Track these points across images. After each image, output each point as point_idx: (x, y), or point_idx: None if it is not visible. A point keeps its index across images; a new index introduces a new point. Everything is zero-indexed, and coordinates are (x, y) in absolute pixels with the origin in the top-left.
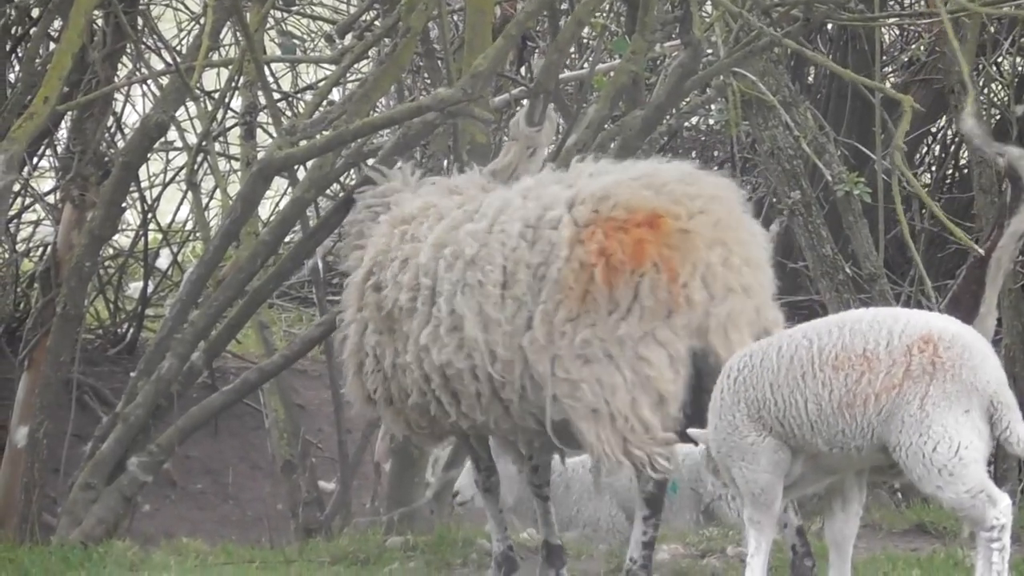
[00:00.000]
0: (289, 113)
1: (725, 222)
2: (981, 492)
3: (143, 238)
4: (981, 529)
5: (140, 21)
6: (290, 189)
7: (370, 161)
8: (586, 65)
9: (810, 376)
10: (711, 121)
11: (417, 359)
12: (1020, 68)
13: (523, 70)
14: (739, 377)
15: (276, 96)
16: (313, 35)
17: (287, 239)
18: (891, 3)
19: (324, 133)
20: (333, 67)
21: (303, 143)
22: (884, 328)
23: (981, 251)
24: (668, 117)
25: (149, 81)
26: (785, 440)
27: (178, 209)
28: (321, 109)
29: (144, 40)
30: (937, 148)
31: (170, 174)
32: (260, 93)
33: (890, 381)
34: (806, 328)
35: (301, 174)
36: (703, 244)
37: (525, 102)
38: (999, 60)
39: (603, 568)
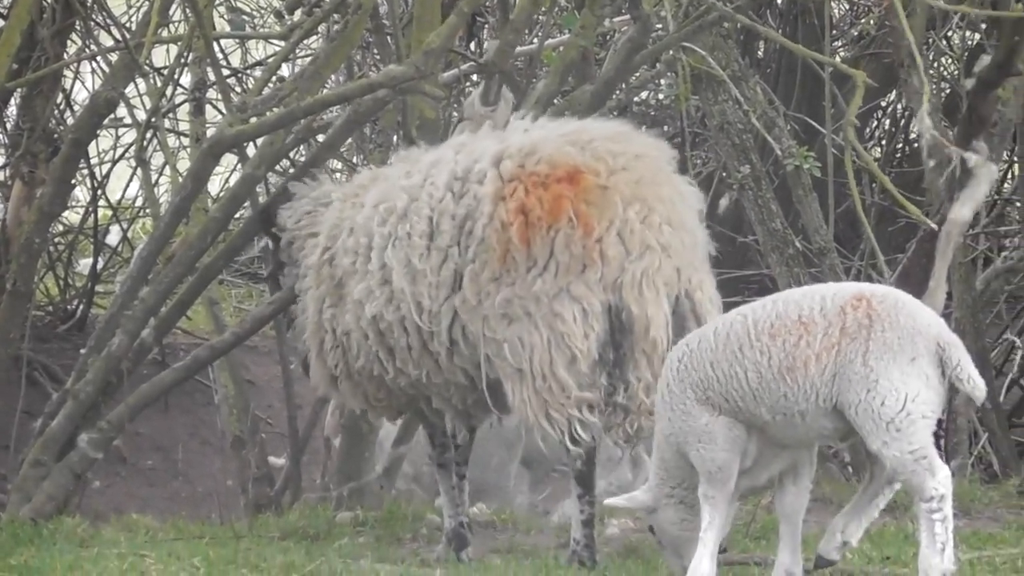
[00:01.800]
0: (239, 89)
1: (648, 180)
2: (924, 458)
3: (93, 215)
4: (921, 499)
5: None
6: (240, 166)
7: (320, 137)
8: (535, 40)
9: (747, 347)
10: (661, 96)
11: (355, 317)
12: (970, 42)
13: (472, 45)
14: (680, 365)
15: (225, 72)
16: (262, 11)
17: (237, 216)
18: None
19: (275, 110)
20: (282, 43)
21: (253, 120)
22: (817, 295)
23: (933, 225)
24: (618, 92)
25: (98, 58)
26: (735, 415)
27: (128, 186)
28: (271, 85)
29: (93, 17)
30: (887, 122)
31: (120, 151)
32: (209, 69)
33: (828, 341)
34: (741, 308)
35: (251, 151)
36: (621, 201)
37: (475, 77)
38: (949, 33)
39: (553, 543)
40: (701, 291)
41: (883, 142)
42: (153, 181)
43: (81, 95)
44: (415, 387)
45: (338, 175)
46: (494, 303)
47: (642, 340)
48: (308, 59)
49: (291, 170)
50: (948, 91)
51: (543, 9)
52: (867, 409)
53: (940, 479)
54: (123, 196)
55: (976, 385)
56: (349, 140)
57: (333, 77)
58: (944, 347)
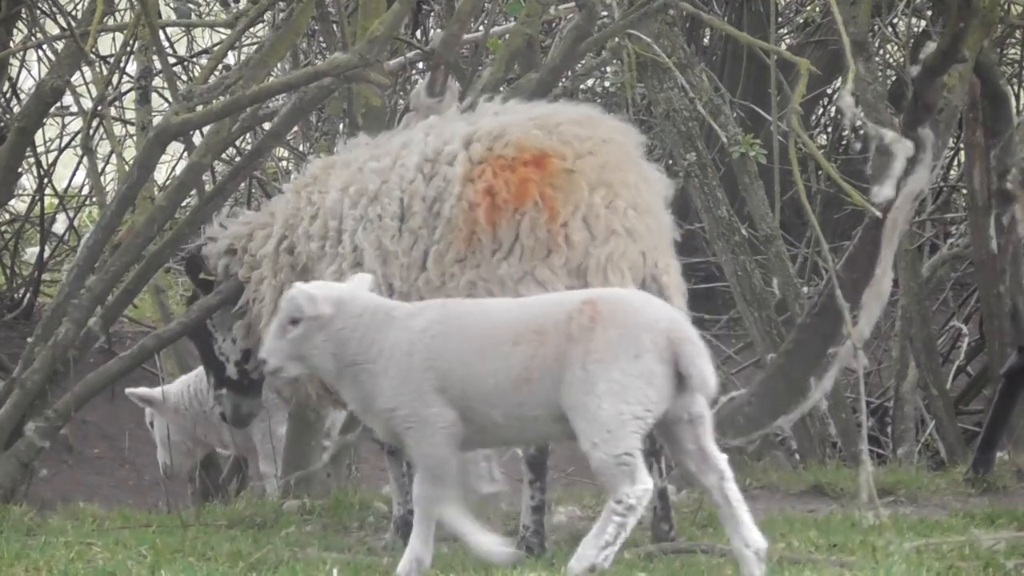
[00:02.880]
0: (185, 77)
1: (614, 165)
2: (627, 465)
3: (39, 203)
4: (613, 499)
5: None
6: (186, 154)
7: (266, 125)
8: (481, 28)
9: (490, 351)
10: (607, 83)
11: None
12: (915, 29)
13: (419, 33)
14: (433, 343)
15: (171, 60)
16: None
17: (183, 204)
18: None
19: (221, 98)
20: (228, 31)
21: (199, 108)
22: (551, 303)
23: (878, 213)
24: (563, 79)
25: (44, 46)
26: (463, 413)
27: (74, 174)
28: (216, 73)
29: (39, 5)
30: (833, 109)
31: (66, 139)
32: (155, 58)
33: (557, 351)
34: (483, 302)
35: (197, 139)
36: (587, 185)
37: (420, 65)
38: (894, 21)
39: (501, 530)
40: (668, 275)
41: (828, 129)
42: (100, 169)
43: (27, 83)
44: None
45: (284, 163)
46: (458, 284)
47: None
48: (254, 47)
49: (237, 158)
50: (894, 78)
51: None
52: (584, 410)
53: (637, 490)
54: (70, 184)
55: (705, 381)
56: (295, 128)
57: (279, 65)
58: (675, 342)
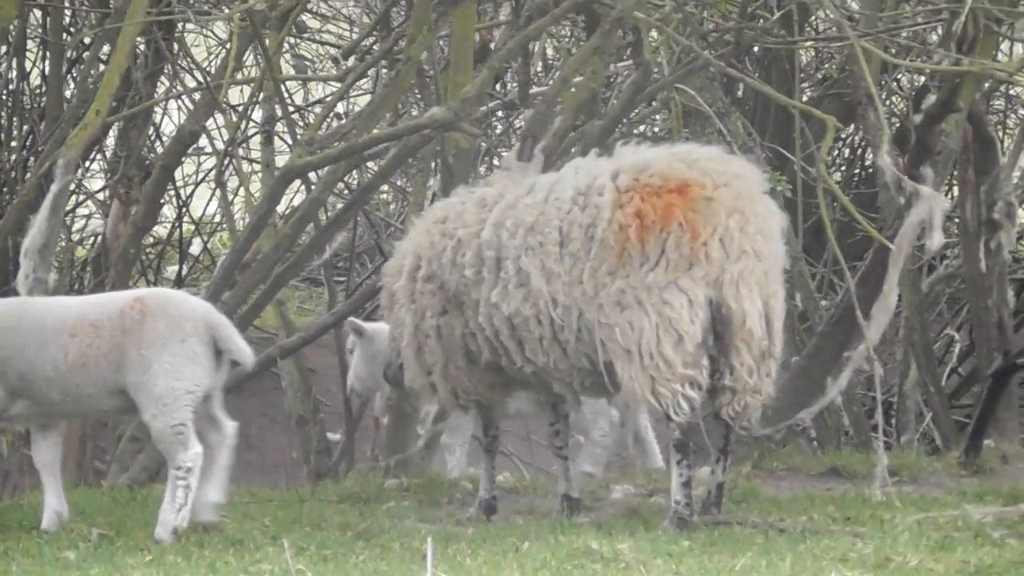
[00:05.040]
0: (301, 123)
1: (745, 195)
2: (181, 434)
3: (178, 229)
4: (172, 467)
5: (176, 46)
6: (303, 189)
7: (371, 164)
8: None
9: (51, 343)
10: (656, 129)
11: (488, 316)
12: (916, 83)
13: (497, 87)
14: None
15: (290, 109)
16: (321, 58)
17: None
18: (808, 29)
19: (338, 144)
20: (338, 84)
21: (320, 152)
22: (107, 301)
23: (886, 241)
24: (621, 125)
25: (183, 97)
26: (20, 392)
27: (207, 204)
28: (328, 120)
29: (179, 62)
30: (847, 151)
31: (201, 175)
32: (277, 106)
33: (114, 340)
34: (67, 300)
35: (312, 176)
36: (724, 211)
37: (499, 113)
38: (899, 77)
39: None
40: (775, 299)
41: (843, 168)
42: (229, 201)
43: (169, 128)
44: (537, 374)
45: (383, 195)
46: (609, 292)
47: (740, 331)
48: (360, 97)
49: (346, 192)
50: (898, 125)
51: (559, 56)
52: (143, 388)
53: (191, 455)
54: (204, 213)
55: (243, 352)
56: None
57: None
58: (212, 326)
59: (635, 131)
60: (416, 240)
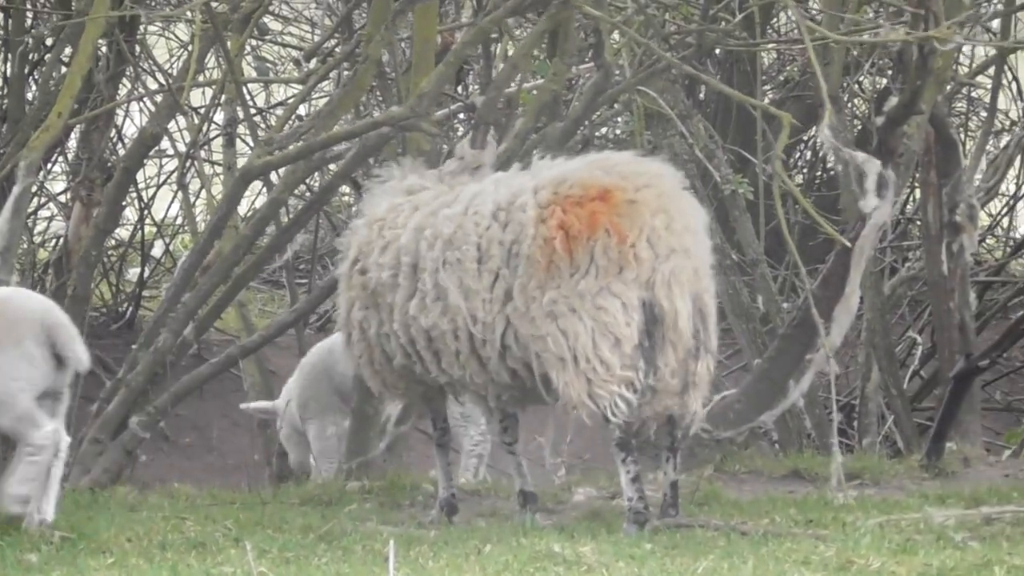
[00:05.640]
0: (263, 125)
1: (667, 194)
2: (27, 419)
3: (140, 231)
4: (25, 446)
5: (138, 48)
6: (264, 190)
7: (332, 166)
8: (514, 85)
9: None
10: (619, 131)
11: (404, 326)
12: (878, 86)
13: (460, 88)
14: None
15: (252, 111)
16: (283, 60)
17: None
18: (769, 31)
19: (296, 144)
20: (300, 86)
21: (278, 152)
22: None
23: (846, 242)
24: (582, 128)
25: (145, 99)
26: None
27: (169, 207)
28: (290, 122)
29: (141, 64)
30: (809, 153)
31: (163, 177)
32: (239, 108)
33: None
34: None
35: (273, 177)
36: (648, 211)
37: (462, 115)
38: (860, 79)
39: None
40: (707, 294)
41: (805, 170)
42: (191, 203)
43: (130, 130)
44: (451, 384)
45: (345, 196)
46: (540, 304)
47: (671, 331)
48: (322, 99)
49: (307, 194)
50: (860, 127)
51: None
52: None
53: (43, 433)
54: (165, 215)
55: (79, 358)
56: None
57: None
58: (49, 328)
59: (597, 134)
60: (360, 232)
